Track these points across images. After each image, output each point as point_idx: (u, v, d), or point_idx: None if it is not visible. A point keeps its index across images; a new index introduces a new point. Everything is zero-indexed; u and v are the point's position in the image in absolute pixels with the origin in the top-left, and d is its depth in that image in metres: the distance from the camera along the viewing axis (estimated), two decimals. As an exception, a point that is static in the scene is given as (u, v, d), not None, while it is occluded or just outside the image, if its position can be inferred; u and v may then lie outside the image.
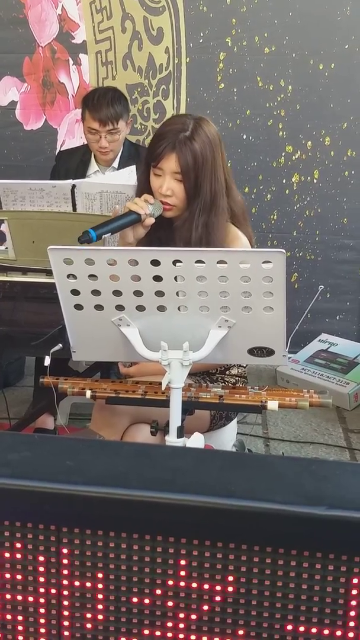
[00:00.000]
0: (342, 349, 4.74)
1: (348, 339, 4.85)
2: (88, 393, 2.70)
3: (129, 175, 3.36)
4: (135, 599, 1.41)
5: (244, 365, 3.05)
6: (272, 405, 2.64)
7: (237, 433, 3.30)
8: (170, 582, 1.38)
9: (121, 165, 4.05)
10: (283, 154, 4.73)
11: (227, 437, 3.16)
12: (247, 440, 3.78)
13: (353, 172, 4.73)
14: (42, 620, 1.46)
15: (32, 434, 3.61)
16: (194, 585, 1.38)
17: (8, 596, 1.45)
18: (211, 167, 2.79)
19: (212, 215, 2.81)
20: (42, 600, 1.44)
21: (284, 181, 4.77)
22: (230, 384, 2.96)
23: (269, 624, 1.37)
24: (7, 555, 1.43)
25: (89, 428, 2.73)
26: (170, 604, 1.40)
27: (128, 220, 2.77)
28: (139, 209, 2.76)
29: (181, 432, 2.46)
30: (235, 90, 4.67)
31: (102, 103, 3.91)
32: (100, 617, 1.43)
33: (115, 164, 4.08)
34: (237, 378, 3.02)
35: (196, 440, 2.49)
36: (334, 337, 4.84)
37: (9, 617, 1.46)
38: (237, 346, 2.42)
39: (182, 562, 1.37)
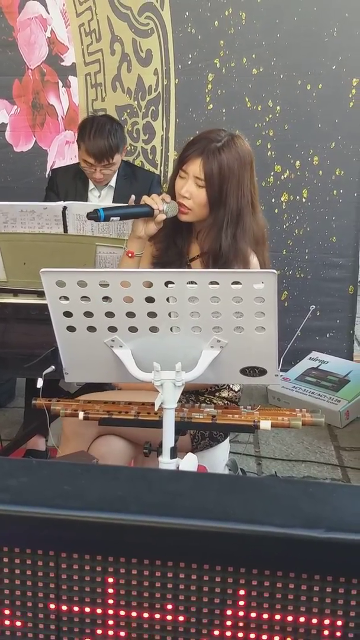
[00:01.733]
0: (332, 367, 4.75)
1: (338, 356, 4.87)
2: (81, 414, 2.71)
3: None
4: (134, 624, 1.41)
5: (236, 390, 3.05)
6: (265, 425, 2.64)
7: (229, 452, 3.31)
8: (169, 607, 1.38)
9: (118, 184, 4.07)
10: (272, 174, 4.76)
11: (219, 457, 3.16)
12: (239, 459, 3.79)
13: (341, 190, 4.76)
14: (41, 646, 1.46)
15: (29, 459, 3.60)
16: (193, 609, 1.38)
17: (7, 622, 1.44)
18: (238, 182, 2.81)
19: (239, 229, 2.83)
20: (41, 626, 1.44)
21: (273, 200, 4.79)
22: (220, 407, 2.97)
23: (268, 647, 1.38)
24: (6, 581, 1.43)
25: (82, 451, 2.73)
26: (169, 628, 1.40)
27: (139, 211, 2.81)
28: (153, 203, 2.80)
29: (174, 453, 2.46)
30: (224, 110, 4.69)
31: (97, 139, 3.89)
32: (99, 641, 1.43)
33: (112, 182, 4.09)
34: (226, 402, 3.02)
35: (189, 461, 2.49)
36: (324, 355, 4.85)
37: (7, 642, 1.46)
38: (230, 366, 2.43)
39: (181, 587, 1.37)
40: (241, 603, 1.36)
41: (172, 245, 2.94)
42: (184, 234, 2.94)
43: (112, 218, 2.78)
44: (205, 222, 2.87)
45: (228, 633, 1.38)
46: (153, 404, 2.45)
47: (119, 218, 2.82)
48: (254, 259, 2.90)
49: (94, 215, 2.71)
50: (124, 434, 2.86)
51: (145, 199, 2.83)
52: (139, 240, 2.90)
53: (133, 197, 2.98)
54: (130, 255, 2.92)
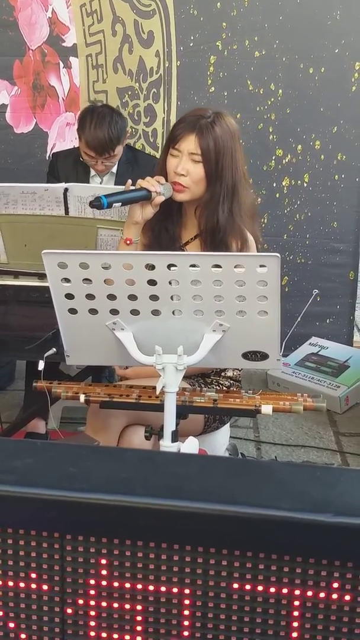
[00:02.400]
0: (332, 352, 4.75)
1: (338, 342, 4.86)
2: (82, 397, 2.70)
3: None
4: (139, 607, 1.40)
5: (239, 369, 3.05)
6: (266, 409, 2.64)
7: (229, 437, 3.30)
8: (175, 590, 1.38)
9: (120, 170, 4.05)
10: (273, 158, 4.74)
11: (220, 441, 3.16)
12: (238, 443, 3.79)
13: (343, 175, 4.74)
14: (46, 628, 1.45)
15: (34, 440, 3.59)
16: (199, 593, 1.37)
17: (11, 604, 1.44)
18: (232, 155, 2.84)
19: (235, 203, 2.84)
20: (45, 608, 1.43)
21: (275, 185, 4.77)
22: (224, 387, 2.97)
23: (274, 632, 1.37)
24: (10, 562, 1.42)
25: (83, 432, 2.72)
26: (174, 611, 1.39)
27: (138, 195, 2.81)
28: (150, 186, 2.80)
29: (175, 437, 2.46)
30: (225, 93, 4.67)
31: (97, 132, 3.86)
32: (104, 624, 1.42)
33: (114, 168, 4.07)
34: (231, 381, 3.02)
35: (190, 445, 2.49)
36: (324, 341, 4.84)
37: (11, 625, 1.45)
38: (232, 350, 2.43)
39: (187, 570, 1.37)
40: (247, 587, 1.36)
41: (164, 231, 2.93)
42: (174, 219, 2.93)
43: (114, 204, 2.77)
44: (201, 199, 2.86)
45: (234, 617, 1.37)
46: (154, 388, 2.45)
47: (120, 204, 2.81)
48: (250, 238, 2.90)
49: (96, 203, 2.71)
50: (149, 422, 2.83)
51: (141, 182, 2.82)
52: (135, 225, 2.89)
53: (130, 181, 2.96)
54: (128, 242, 2.90)
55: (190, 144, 2.80)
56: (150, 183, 2.80)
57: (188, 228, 2.97)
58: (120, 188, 2.95)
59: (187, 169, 2.81)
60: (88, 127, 3.88)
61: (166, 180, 2.85)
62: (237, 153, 2.85)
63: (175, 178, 2.83)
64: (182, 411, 2.57)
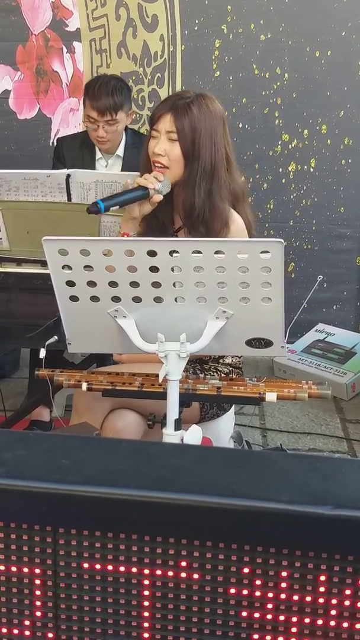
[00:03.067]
0: (339, 339, 4.71)
1: (345, 328, 4.83)
2: (84, 385, 2.68)
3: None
4: (134, 602, 1.37)
5: (239, 356, 3.02)
6: (271, 397, 2.61)
7: (235, 424, 3.27)
8: (171, 584, 1.34)
9: (126, 153, 4.01)
10: (279, 143, 4.70)
11: (224, 429, 3.13)
12: (244, 431, 3.76)
13: (350, 160, 4.70)
14: (39, 624, 1.42)
15: (27, 431, 3.57)
16: (195, 587, 1.34)
17: (3, 599, 1.41)
18: (211, 136, 2.80)
19: (214, 184, 2.81)
20: (38, 603, 1.40)
21: (281, 170, 4.73)
22: (223, 374, 2.94)
23: (272, 627, 1.34)
24: (1, 556, 1.39)
25: (85, 422, 2.70)
26: (170, 606, 1.36)
27: (137, 195, 2.78)
28: (149, 184, 2.77)
29: (179, 425, 2.43)
30: (231, 78, 4.62)
31: (102, 92, 3.84)
32: (98, 619, 1.39)
33: (120, 152, 4.03)
34: (230, 368, 3.00)
35: (194, 432, 2.46)
36: (331, 327, 4.81)
37: (4, 620, 1.42)
38: (235, 337, 2.40)
39: (183, 564, 1.33)
40: (245, 581, 1.32)
41: (154, 219, 2.91)
42: (163, 206, 2.90)
43: (111, 208, 2.74)
44: (180, 179, 2.83)
45: (231, 612, 1.34)
46: (157, 376, 2.42)
47: (118, 207, 2.78)
48: (238, 219, 2.88)
49: (94, 209, 2.68)
50: (136, 407, 2.83)
51: (139, 180, 2.79)
52: (133, 220, 2.87)
53: (128, 181, 2.93)
54: (126, 237, 2.87)
55: (166, 123, 2.79)
56: (149, 181, 2.77)
57: (178, 215, 2.95)
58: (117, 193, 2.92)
59: (165, 148, 2.80)
60: (92, 88, 3.88)
61: (149, 164, 2.82)
62: (218, 134, 2.81)
63: (154, 158, 2.81)
64: (186, 399, 2.55)
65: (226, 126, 2.87)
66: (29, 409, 3.78)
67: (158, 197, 2.79)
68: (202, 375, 2.87)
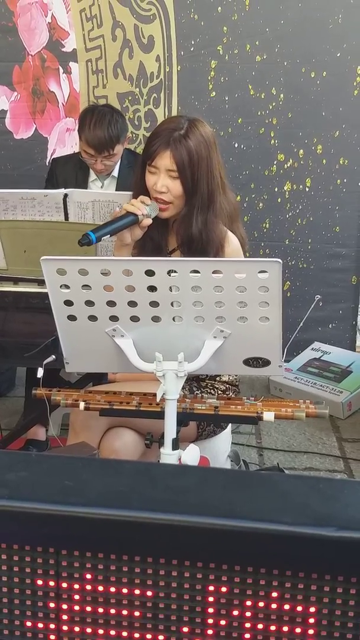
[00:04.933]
0: (335, 358, 4.72)
1: (341, 347, 4.84)
2: (82, 405, 2.67)
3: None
4: (137, 624, 1.36)
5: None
6: (268, 416, 2.61)
7: (231, 443, 3.27)
8: (174, 606, 1.34)
9: (121, 173, 4.02)
10: (275, 162, 4.71)
11: (221, 448, 3.13)
12: (241, 450, 3.75)
13: (345, 180, 4.71)
14: (41, 646, 1.41)
15: (29, 452, 3.57)
16: (198, 609, 1.34)
17: (5, 621, 1.40)
18: (207, 165, 2.79)
19: (210, 213, 2.81)
20: (40, 625, 1.40)
21: (276, 189, 4.75)
22: (220, 391, 2.94)
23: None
24: (4, 579, 1.39)
25: (83, 441, 2.69)
26: (173, 628, 1.35)
27: (126, 222, 2.77)
28: (136, 209, 2.75)
29: (176, 444, 2.43)
30: (226, 98, 4.64)
31: (98, 131, 3.84)
32: (100, 641, 1.39)
33: (115, 172, 4.04)
34: (227, 385, 3.00)
35: (192, 452, 2.46)
36: (326, 346, 4.82)
37: (6, 642, 1.42)
38: (233, 357, 2.40)
39: (186, 586, 1.33)
40: (248, 603, 1.32)
41: (149, 241, 2.90)
42: (159, 228, 2.90)
43: (102, 238, 2.74)
44: (181, 212, 2.84)
45: (234, 634, 1.34)
46: (155, 395, 2.42)
47: (109, 236, 2.78)
48: (234, 240, 2.89)
49: (85, 241, 2.67)
50: (133, 426, 2.82)
51: (127, 207, 2.78)
52: (126, 247, 2.86)
53: (117, 209, 2.94)
54: None
55: (166, 160, 2.77)
56: (137, 206, 2.76)
57: (173, 236, 2.95)
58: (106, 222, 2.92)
59: (167, 185, 2.79)
60: (88, 125, 3.87)
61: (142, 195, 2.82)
62: (213, 160, 2.81)
63: (156, 195, 2.80)
64: (183, 418, 2.55)
65: (217, 148, 2.88)
66: (25, 428, 3.77)
67: (148, 221, 2.79)
68: (199, 393, 2.86)
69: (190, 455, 2.44)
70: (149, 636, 1.37)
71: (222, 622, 1.34)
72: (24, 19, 4.61)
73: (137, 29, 4.59)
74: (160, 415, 2.46)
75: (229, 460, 3.22)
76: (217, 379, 3.00)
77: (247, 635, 1.34)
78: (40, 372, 2.61)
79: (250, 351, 2.39)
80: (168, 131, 2.80)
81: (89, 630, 1.39)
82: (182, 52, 4.60)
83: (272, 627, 1.33)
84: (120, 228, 2.78)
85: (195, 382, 2.96)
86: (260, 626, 1.33)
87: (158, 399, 2.40)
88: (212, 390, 2.95)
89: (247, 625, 1.33)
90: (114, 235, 2.82)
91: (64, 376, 3.51)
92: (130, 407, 2.67)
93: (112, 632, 1.38)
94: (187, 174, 2.76)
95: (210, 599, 1.33)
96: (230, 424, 3.16)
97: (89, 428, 2.84)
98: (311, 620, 1.31)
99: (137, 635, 1.37)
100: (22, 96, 4.71)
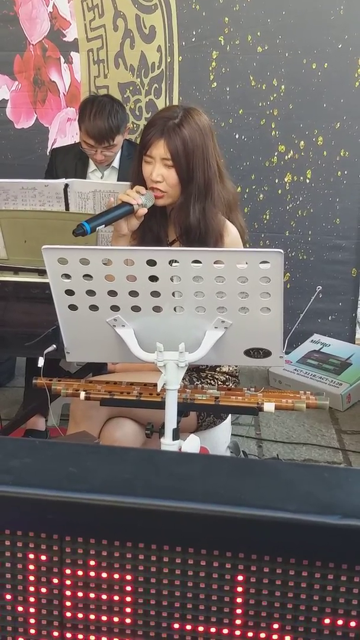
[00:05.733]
0: (334, 350, 4.72)
1: (340, 339, 4.84)
2: (82, 394, 2.67)
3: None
4: (140, 611, 1.37)
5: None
6: (269, 407, 2.61)
7: (231, 434, 3.27)
8: (177, 593, 1.34)
9: (122, 164, 4.01)
10: (276, 154, 4.70)
11: (221, 439, 3.13)
12: (240, 441, 3.76)
13: (346, 172, 4.71)
14: (44, 632, 1.41)
15: (33, 439, 3.57)
16: (202, 596, 1.34)
17: (8, 607, 1.40)
18: (202, 153, 2.79)
19: (208, 202, 2.81)
20: (44, 611, 1.40)
21: (277, 181, 4.74)
22: (220, 382, 2.94)
23: (279, 636, 1.34)
24: (7, 565, 1.39)
25: (84, 430, 2.70)
26: (176, 615, 1.35)
27: (121, 212, 2.77)
28: (131, 199, 2.75)
29: (177, 434, 2.43)
30: (227, 89, 4.63)
31: (98, 122, 3.83)
32: (104, 628, 1.39)
33: (116, 163, 4.04)
34: (227, 376, 3.00)
35: (192, 442, 2.46)
36: (326, 338, 4.82)
37: (9, 629, 1.42)
38: (234, 347, 2.40)
39: (190, 573, 1.33)
40: (252, 591, 1.32)
41: (148, 232, 2.90)
42: (158, 219, 2.90)
43: (97, 228, 2.74)
44: (177, 201, 2.83)
45: (238, 621, 1.34)
46: (155, 385, 2.42)
47: (104, 226, 2.78)
48: (233, 230, 2.88)
49: (80, 231, 2.67)
50: (133, 416, 2.82)
51: (122, 197, 2.78)
52: (123, 237, 2.86)
53: (111, 199, 2.93)
54: None
55: (160, 149, 2.77)
56: (132, 196, 2.76)
57: (172, 227, 2.95)
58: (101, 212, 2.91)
59: (162, 174, 2.79)
60: (88, 116, 3.86)
61: (146, 188, 2.82)
62: (209, 149, 2.81)
63: (152, 185, 2.80)
64: (184, 409, 2.55)
65: (214, 137, 2.88)
66: (25, 418, 3.77)
67: (143, 211, 2.79)
68: (199, 384, 2.87)
69: (191, 445, 2.44)
70: (152, 623, 1.37)
71: (226, 609, 1.34)
72: (25, 8, 4.60)
73: (138, 19, 4.58)
74: (160, 405, 2.46)
75: (228, 451, 3.22)
76: (217, 369, 3.00)
77: (250, 622, 1.34)
78: (41, 362, 2.61)
79: (251, 342, 2.39)
80: (163, 120, 2.80)
81: (92, 617, 1.39)
82: (183, 43, 4.59)
83: (276, 615, 1.33)
84: (116, 218, 2.78)
85: (195, 373, 2.96)
86: (263, 614, 1.33)
87: (159, 389, 2.40)
88: (212, 381, 2.95)
89: (251, 612, 1.33)
90: (110, 226, 2.81)
91: (64, 366, 3.51)
92: (131, 397, 2.67)
93: (116, 619, 1.38)
94: (182, 163, 2.76)
95: (214, 586, 1.33)
96: (230, 415, 3.16)
97: (90, 418, 2.84)
98: (315, 608, 1.31)
99: (140, 622, 1.37)
100: (23, 86, 4.70)
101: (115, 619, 1.38)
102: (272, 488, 1.34)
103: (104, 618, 1.38)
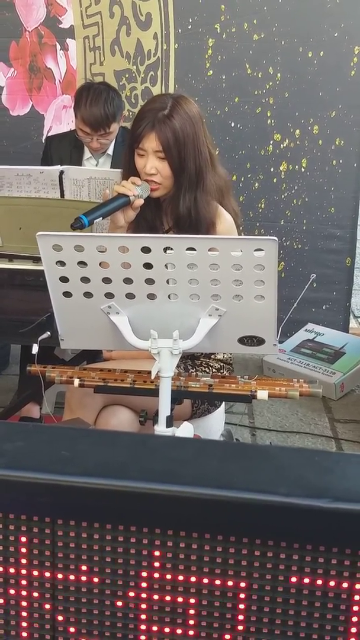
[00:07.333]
0: (328, 339, 4.73)
1: (334, 328, 4.84)
2: (76, 381, 2.67)
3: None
4: (132, 594, 1.37)
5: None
6: (262, 394, 2.61)
7: (225, 423, 3.28)
8: (169, 576, 1.35)
9: (116, 151, 4.00)
10: (271, 142, 4.70)
11: (214, 426, 3.14)
12: (233, 429, 3.76)
13: (341, 161, 4.70)
14: (36, 615, 1.42)
15: (26, 422, 3.57)
16: (193, 579, 1.34)
17: (1, 590, 1.41)
18: (193, 142, 2.78)
19: (199, 190, 2.81)
20: (35, 594, 1.41)
21: (272, 169, 4.74)
22: (214, 369, 2.95)
23: (269, 619, 1.34)
24: (0, 548, 1.39)
25: (78, 417, 2.70)
26: (167, 598, 1.36)
27: (118, 204, 2.76)
28: (127, 191, 2.75)
29: (170, 422, 2.44)
30: (223, 77, 4.63)
31: (94, 109, 3.82)
32: (95, 611, 1.40)
33: (110, 150, 4.03)
34: (221, 364, 3.01)
35: (185, 430, 2.46)
36: (320, 327, 4.82)
37: (1, 611, 1.43)
38: (228, 335, 2.40)
39: (181, 556, 1.34)
40: (243, 574, 1.33)
41: (143, 221, 2.90)
42: (152, 208, 2.90)
43: (95, 221, 2.74)
44: (170, 192, 2.84)
45: (229, 605, 1.35)
46: (149, 372, 2.42)
47: (101, 218, 2.77)
48: (227, 217, 2.88)
49: (77, 225, 2.66)
50: (128, 404, 2.83)
51: (117, 188, 2.77)
52: (120, 229, 2.86)
53: (107, 191, 2.93)
54: None
55: (152, 142, 2.76)
56: (127, 188, 2.75)
57: (166, 216, 2.95)
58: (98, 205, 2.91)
59: (156, 166, 2.78)
60: (84, 103, 3.85)
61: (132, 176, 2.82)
62: (200, 137, 2.81)
63: (146, 177, 2.80)
64: (177, 396, 2.55)
65: (204, 124, 2.87)
66: (19, 406, 3.76)
67: (139, 202, 2.78)
68: (193, 372, 2.87)
69: (184, 433, 2.45)
70: (143, 605, 1.37)
71: (217, 593, 1.35)
72: (22, -5, 4.59)
73: (134, 6, 4.57)
74: (154, 392, 2.46)
75: (222, 439, 3.22)
76: (212, 357, 3.00)
77: (242, 606, 1.35)
78: (35, 349, 2.61)
79: (245, 330, 2.39)
80: (152, 112, 2.79)
81: (84, 600, 1.39)
82: (179, 30, 4.58)
83: (267, 598, 1.34)
84: (113, 210, 2.77)
85: (189, 360, 2.97)
86: (254, 597, 1.34)
87: (152, 377, 2.40)
88: (206, 369, 2.95)
89: (242, 595, 1.34)
90: (107, 218, 2.81)
91: (59, 354, 3.51)
92: (125, 385, 2.67)
93: (107, 602, 1.39)
94: (174, 154, 2.76)
95: (205, 569, 1.34)
96: (223, 403, 3.16)
97: (85, 406, 2.84)
98: (305, 592, 1.32)
99: (131, 605, 1.38)
100: (19, 72, 4.69)
101: (107, 602, 1.39)
102: (263, 472, 1.35)
103: (96, 601, 1.39)
